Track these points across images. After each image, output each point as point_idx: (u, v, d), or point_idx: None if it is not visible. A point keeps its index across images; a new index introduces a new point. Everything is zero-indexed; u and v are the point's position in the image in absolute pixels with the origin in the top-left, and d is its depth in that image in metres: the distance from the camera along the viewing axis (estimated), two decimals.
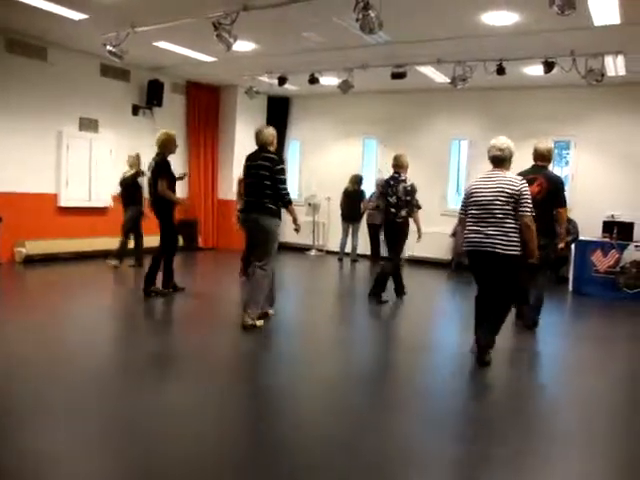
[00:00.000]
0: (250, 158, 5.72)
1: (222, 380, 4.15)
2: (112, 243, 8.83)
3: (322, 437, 3.26)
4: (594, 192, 9.77)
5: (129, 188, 8.59)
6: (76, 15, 7.32)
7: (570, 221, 9.43)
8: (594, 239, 8.62)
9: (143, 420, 3.35)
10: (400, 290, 7.45)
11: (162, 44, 8.60)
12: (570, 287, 8.66)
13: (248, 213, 5.66)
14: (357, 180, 11.02)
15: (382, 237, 7.62)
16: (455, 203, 11.31)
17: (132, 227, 8.63)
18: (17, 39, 8.52)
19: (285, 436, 3.24)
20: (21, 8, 7.07)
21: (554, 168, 10.44)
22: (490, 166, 4.77)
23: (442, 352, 5.28)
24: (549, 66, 7.81)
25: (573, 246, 8.82)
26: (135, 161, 8.71)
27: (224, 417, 3.49)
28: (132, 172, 8.63)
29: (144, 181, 7.98)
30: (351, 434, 3.30)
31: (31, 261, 8.59)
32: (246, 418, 3.55)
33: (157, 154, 6.71)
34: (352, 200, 10.93)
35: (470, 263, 4.84)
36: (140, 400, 3.65)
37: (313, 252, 11.87)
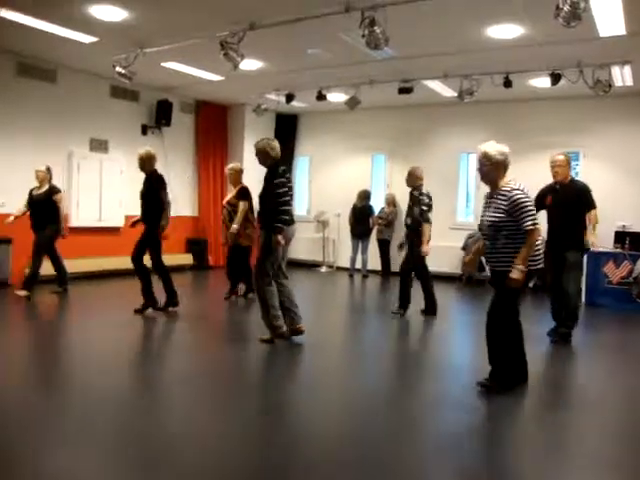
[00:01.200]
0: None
1: (240, 396, 4.13)
2: (123, 263, 8.81)
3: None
4: (605, 203, 9.59)
5: (43, 207, 7.69)
6: (86, 38, 7.44)
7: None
8: (606, 250, 8.55)
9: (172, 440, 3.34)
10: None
11: (170, 64, 8.71)
12: (583, 299, 8.57)
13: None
14: (365, 196, 11.03)
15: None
16: (465, 216, 11.30)
17: (47, 250, 7.87)
18: (28, 63, 8.65)
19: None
20: (33, 33, 7.21)
21: None
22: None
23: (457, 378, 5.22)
24: (556, 78, 7.81)
25: (585, 257, 8.74)
26: (45, 176, 7.81)
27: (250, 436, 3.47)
28: (45, 189, 7.77)
29: (59, 197, 7.75)
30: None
31: (42, 282, 8.61)
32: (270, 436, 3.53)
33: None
34: (361, 216, 10.94)
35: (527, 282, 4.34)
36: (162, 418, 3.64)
37: (323, 268, 11.86)
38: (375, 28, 5.66)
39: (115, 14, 6.57)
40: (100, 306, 7.55)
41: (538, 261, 4.21)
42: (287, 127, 12.77)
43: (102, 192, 9.79)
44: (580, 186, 5.99)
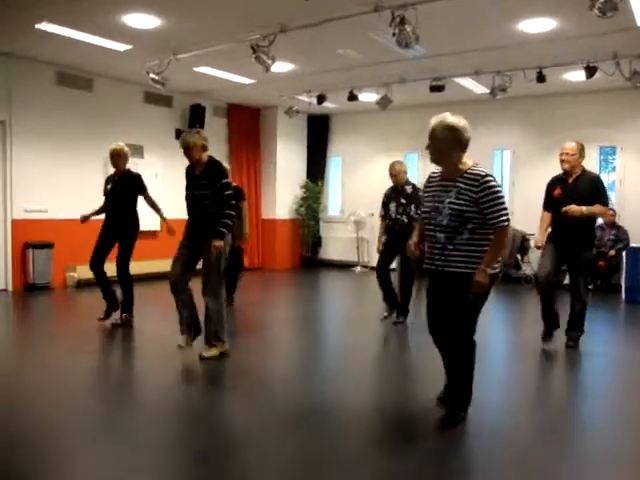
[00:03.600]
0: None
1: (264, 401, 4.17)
2: (162, 266, 8.97)
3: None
4: None
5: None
6: (121, 46, 7.60)
7: (619, 228, 9.22)
8: None
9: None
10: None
11: (202, 69, 8.82)
12: (623, 296, 8.40)
13: None
14: None
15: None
16: None
17: None
18: (66, 72, 8.90)
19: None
20: (70, 43, 7.42)
21: (601, 175, 10.28)
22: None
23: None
24: (591, 71, 7.65)
25: (624, 254, 8.58)
26: None
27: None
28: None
29: None
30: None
31: (82, 285, 8.83)
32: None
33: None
34: None
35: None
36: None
37: (358, 269, 11.86)
38: (405, 26, 5.65)
39: (148, 22, 6.70)
40: (145, 307, 7.69)
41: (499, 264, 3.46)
42: (319, 128, 12.81)
43: (138, 197, 9.94)
44: (594, 178, 5.43)
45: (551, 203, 5.46)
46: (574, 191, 5.25)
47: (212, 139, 11.48)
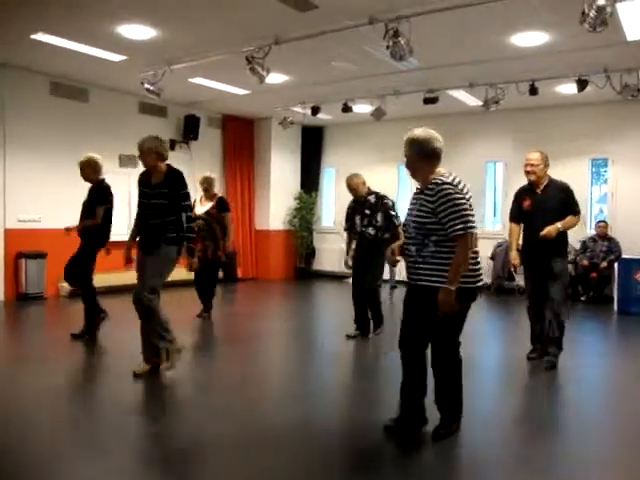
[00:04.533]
0: None
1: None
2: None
3: None
4: (635, 209, 9.57)
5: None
6: (116, 57, 7.63)
7: (611, 239, 9.28)
8: (637, 257, 8.42)
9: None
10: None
11: (197, 80, 8.85)
12: (615, 307, 8.44)
13: None
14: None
15: None
16: (493, 226, 11.23)
17: None
18: (61, 82, 8.91)
19: None
20: (65, 53, 7.44)
21: (593, 187, 10.36)
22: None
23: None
24: (582, 84, 7.74)
25: (616, 265, 8.63)
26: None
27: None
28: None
29: None
30: None
31: (75, 295, 8.77)
32: None
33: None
34: None
35: (471, 303, 3.45)
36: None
37: (351, 280, 11.82)
38: (399, 39, 5.71)
39: (143, 33, 6.73)
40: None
41: (480, 276, 3.42)
42: (313, 139, 12.86)
43: (131, 207, 9.95)
44: (563, 187, 5.22)
45: (520, 215, 5.36)
46: (544, 202, 5.16)
47: (206, 149, 11.66)
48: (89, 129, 9.30)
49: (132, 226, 5.07)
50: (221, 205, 7.26)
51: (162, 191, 4.69)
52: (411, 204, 3.50)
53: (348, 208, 6.64)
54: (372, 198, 6.38)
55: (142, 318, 4.75)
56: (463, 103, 9.77)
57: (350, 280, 6.75)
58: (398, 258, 3.59)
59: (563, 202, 5.12)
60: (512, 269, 5.74)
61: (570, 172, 8.79)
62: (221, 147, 11.82)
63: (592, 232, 9.67)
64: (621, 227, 9.51)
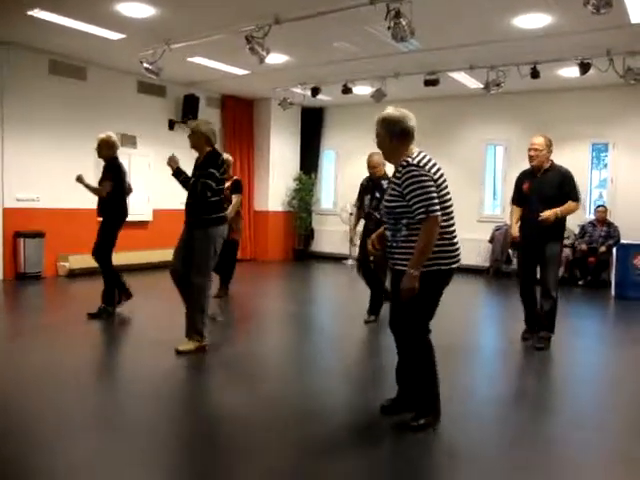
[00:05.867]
0: None
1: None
2: (153, 256, 9.02)
3: None
4: (635, 195, 9.57)
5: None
6: (114, 35, 7.56)
7: (611, 224, 9.29)
8: (636, 242, 8.43)
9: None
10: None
11: (196, 59, 8.79)
12: (612, 292, 8.47)
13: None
14: None
15: None
16: (492, 209, 11.22)
17: None
18: (59, 60, 8.83)
19: None
20: (63, 31, 7.37)
21: (593, 172, 10.34)
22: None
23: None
24: (585, 67, 7.68)
25: (615, 250, 8.65)
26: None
27: None
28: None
29: None
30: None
31: (74, 275, 8.81)
32: None
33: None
34: None
35: (442, 286, 3.31)
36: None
37: (350, 261, 11.87)
38: (400, 20, 5.66)
39: (142, 11, 6.66)
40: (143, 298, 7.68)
41: (454, 258, 3.25)
42: (313, 121, 12.80)
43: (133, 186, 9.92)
44: (562, 172, 5.23)
45: (520, 198, 5.43)
46: (542, 184, 5.20)
47: None
48: (87, 108, 9.24)
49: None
50: (234, 187, 7.24)
51: (198, 172, 4.85)
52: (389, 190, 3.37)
53: (361, 185, 6.48)
54: (385, 183, 6.06)
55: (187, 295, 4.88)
56: (464, 85, 9.72)
57: (349, 261, 6.66)
58: (377, 247, 3.55)
59: (560, 187, 5.14)
60: (511, 247, 5.78)
61: (571, 157, 8.79)
62: (220, 127, 11.75)
63: (591, 217, 9.67)
64: (620, 212, 9.52)
